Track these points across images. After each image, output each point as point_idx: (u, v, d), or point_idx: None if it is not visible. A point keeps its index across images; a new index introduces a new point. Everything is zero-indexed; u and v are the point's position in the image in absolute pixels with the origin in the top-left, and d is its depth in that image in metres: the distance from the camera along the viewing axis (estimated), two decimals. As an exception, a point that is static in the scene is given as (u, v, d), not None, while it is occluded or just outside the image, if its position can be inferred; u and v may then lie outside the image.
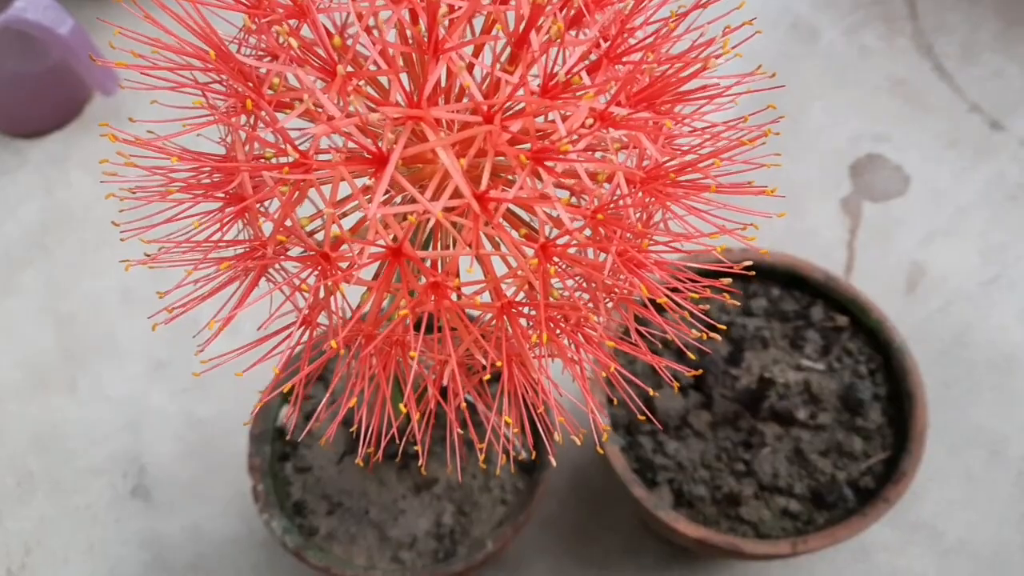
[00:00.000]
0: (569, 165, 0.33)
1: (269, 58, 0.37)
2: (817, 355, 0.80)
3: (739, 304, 0.83)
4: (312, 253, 0.35)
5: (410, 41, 0.35)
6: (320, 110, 0.34)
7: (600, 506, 0.86)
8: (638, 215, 0.36)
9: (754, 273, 0.71)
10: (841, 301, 0.82)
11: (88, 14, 1.00)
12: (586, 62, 0.36)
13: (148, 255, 0.41)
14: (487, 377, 0.38)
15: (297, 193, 0.34)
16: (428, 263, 0.34)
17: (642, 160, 0.36)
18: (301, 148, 0.33)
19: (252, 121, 0.35)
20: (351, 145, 0.34)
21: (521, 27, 0.35)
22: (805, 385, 0.78)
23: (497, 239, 0.35)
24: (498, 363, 0.36)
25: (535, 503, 0.73)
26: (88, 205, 1.04)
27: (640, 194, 0.36)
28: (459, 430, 0.40)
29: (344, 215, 0.36)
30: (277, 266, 0.38)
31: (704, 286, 0.40)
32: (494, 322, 0.36)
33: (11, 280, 1.00)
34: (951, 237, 1.00)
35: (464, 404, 0.39)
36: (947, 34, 1.10)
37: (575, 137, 0.33)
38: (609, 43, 0.36)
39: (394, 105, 0.32)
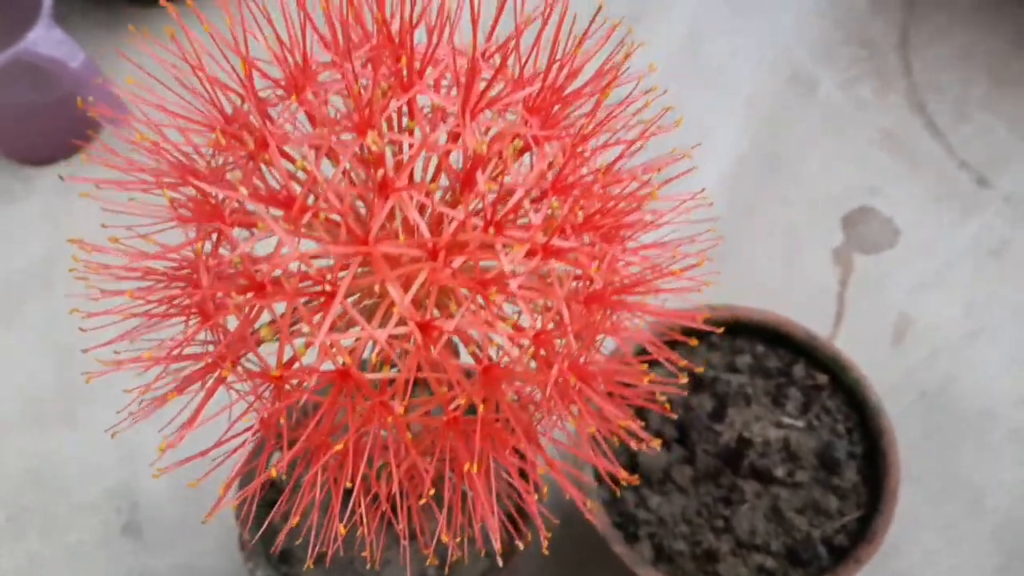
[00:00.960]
0: (511, 294, 0.36)
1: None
2: (798, 412, 0.83)
3: (724, 360, 0.86)
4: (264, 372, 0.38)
5: (357, 182, 0.38)
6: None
7: (582, 556, 0.88)
8: (579, 342, 0.39)
9: (721, 330, 0.73)
10: (822, 359, 0.84)
11: (101, 44, 1.03)
12: (531, 196, 0.39)
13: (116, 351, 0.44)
14: (431, 491, 0.41)
15: (254, 311, 0.37)
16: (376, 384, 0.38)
17: (588, 284, 0.39)
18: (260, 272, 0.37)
19: (215, 239, 0.39)
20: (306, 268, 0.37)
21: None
22: (785, 443, 0.81)
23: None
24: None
25: (515, 561, 0.75)
26: (92, 236, 1.07)
27: (583, 314, 0.39)
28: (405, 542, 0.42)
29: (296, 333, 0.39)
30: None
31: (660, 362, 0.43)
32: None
33: (15, 312, 1.04)
34: (937, 290, 1.02)
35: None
36: (939, 92, 1.12)
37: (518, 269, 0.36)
38: (555, 176, 0.39)
39: (343, 244, 0.35)
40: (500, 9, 0.42)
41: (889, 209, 1.07)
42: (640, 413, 0.73)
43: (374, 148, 0.37)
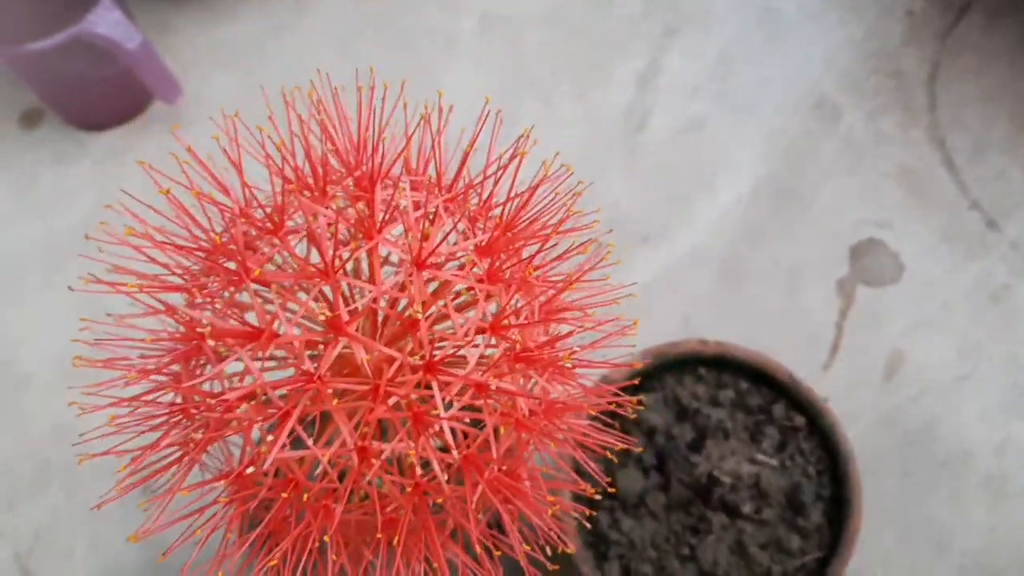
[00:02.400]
0: (441, 425, 0.42)
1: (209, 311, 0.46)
2: (773, 451, 0.88)
3: (708, 393, 0.91)
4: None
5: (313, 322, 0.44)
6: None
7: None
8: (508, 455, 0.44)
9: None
10: (802, 402, 0.89)
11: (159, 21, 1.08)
12: (469, 337, 0.44)
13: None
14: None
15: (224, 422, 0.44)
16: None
17: (517, 412, 0.45)
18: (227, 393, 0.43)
19: (198, 361, 0.45)
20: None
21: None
22: (756, 479, 0.86)
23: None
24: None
25: None
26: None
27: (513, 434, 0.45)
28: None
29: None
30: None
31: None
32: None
33: (55, 274, 1.11)
34: (934, 329, 1.05)
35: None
36: (961, 130, 1.14)
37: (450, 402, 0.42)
38: (494, 317, 0.44)
39: (297, 378, 0.42)
40: (462, 163, 0.47)
41: (897, 244, 1.09)
42: (625, 431, 0.79)
43: (328, 294, 0.43)
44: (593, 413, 0.47)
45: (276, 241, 0.44)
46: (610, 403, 0.49)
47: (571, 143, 1.17)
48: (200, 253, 0.46)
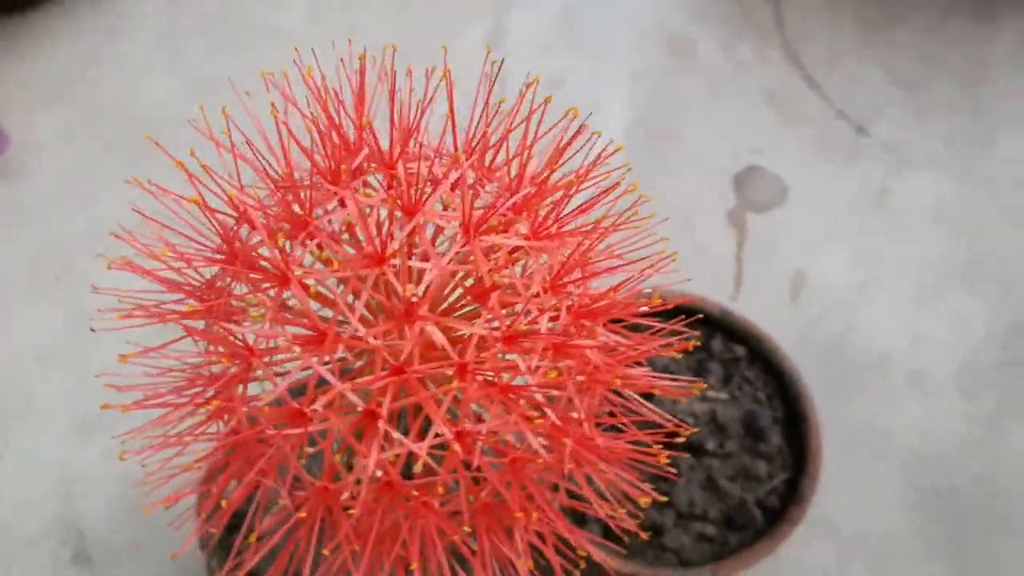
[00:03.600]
0: (530, 394, 0.38)
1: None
2: (720, 385, 0.87)
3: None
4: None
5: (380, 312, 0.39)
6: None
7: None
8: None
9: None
10: (738, 332, 0.88)
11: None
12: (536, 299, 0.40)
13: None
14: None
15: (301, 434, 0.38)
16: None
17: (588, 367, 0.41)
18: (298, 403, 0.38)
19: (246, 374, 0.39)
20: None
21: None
22: (712, 415, 0.85)
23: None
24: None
25: None
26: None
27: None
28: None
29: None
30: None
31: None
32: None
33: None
34: (828, 243, 1.07)
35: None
36: (811, 43, 1.17)
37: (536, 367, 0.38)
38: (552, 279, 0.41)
39: (380, 374, 0.37)
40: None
41: (776, 166, 1.11)
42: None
43: (391, 279, 0.38)
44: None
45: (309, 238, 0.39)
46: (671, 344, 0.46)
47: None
48: (218, 260, 0.40)
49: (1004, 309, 1.05)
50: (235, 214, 0.43)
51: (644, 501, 0.46)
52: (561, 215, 0.43)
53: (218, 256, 0.42)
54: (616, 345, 0.42)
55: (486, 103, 0.45)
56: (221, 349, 0.40)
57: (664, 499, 0.48)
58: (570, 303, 0.41)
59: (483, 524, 0.42)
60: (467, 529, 0.41)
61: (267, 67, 1.15)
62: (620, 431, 0.44)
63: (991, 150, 1.13)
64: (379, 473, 0.38)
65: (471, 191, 0.41)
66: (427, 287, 0.37)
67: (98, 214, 1.06)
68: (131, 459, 0.43)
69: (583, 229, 0.43)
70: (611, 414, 0.44)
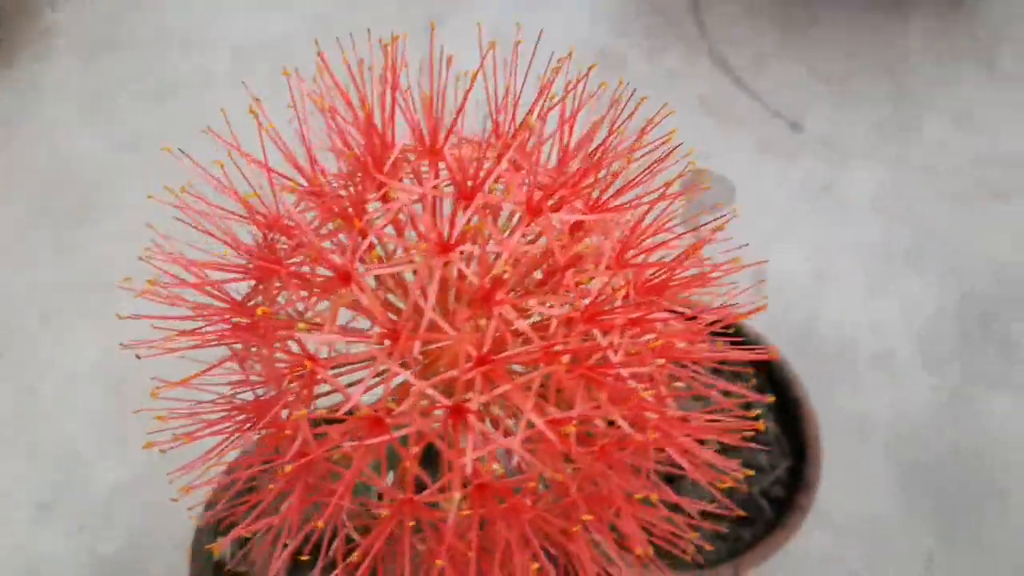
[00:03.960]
0: (616, 373, 0.37)
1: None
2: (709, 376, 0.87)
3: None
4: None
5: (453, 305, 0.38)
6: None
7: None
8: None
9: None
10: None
11: None
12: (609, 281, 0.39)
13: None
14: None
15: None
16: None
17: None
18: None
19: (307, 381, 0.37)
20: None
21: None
22: (706, 413, 0.85)
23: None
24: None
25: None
26: None
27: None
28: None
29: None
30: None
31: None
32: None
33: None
34: (781, 238, 1.09)
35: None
36: (736, 47, 1.19)
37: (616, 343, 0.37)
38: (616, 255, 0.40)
39: (466, 368, 0.35)
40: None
41: (722, 168, 1.12)
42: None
43: (461, 266, 0.36)
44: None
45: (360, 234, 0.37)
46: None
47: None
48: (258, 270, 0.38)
49: (951, 285, 1.08)
50: (268, 217, 0.40)
51: (735, 476, 0.45)
52: (610, 190, 0.42)
53: (256, 266, 0.40)
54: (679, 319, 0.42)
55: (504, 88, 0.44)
56: (278, 364, 0.37)
57: (751, 472, 0.48)
58: (636, 278, 0.40)
59: (578, 518, 0.40)
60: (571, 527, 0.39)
61: (198, 114, 1.13)
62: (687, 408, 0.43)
63: (919, 135, 1.17)
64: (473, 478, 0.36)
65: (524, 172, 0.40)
66: (501, 271, 0.36)
67: (38, 278, 1.02)
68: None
69: (635, 203, 0.43)
70: (689, 388, 0.43)
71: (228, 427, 0.41)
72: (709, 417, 0.43)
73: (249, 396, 0.43)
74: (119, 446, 0.93)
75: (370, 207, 0.39)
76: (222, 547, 0.41)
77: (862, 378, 1.02)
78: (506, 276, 0.36)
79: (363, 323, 0.39)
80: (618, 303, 0.39)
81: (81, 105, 1.14)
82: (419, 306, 0.36)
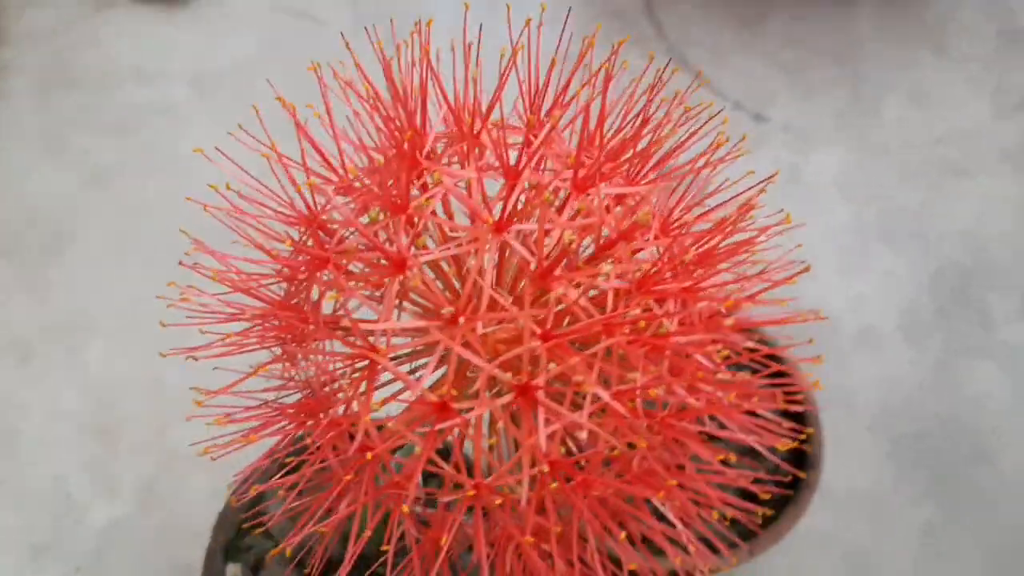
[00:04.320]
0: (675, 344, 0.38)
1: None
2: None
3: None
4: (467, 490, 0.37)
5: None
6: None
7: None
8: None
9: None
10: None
11: None
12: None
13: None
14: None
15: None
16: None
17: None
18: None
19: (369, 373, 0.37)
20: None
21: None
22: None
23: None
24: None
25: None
26: None
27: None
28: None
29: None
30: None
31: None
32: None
33: None
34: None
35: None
36: (693, 45, 1.21)
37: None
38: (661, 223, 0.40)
39: (532, 346, 0.35)
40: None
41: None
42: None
43: (516, 245, 0.37)
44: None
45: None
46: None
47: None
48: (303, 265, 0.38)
49: (924, 259, 1.11)
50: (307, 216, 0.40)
51: (783, 443, 0.45)
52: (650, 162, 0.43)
53: (305, 260, 0.39)
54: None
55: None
56: (332, 359, 0.37)
57: (804, 434, 0.48)
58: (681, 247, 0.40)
59: (643, 490, 0.40)
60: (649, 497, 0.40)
61: (162, 146, 1.12)
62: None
63: (879, 118, 1.20)
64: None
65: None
66: (567, 241, 0.36)
67: (12, 318, 1.00)
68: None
69: (674, 173, 0.43)
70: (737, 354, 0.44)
71: (281, 427, 0.40)
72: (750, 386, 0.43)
73: (289, 398, 0.43)
74: (110, 484, 0.91)
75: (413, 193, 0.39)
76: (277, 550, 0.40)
77: (847, 356, 1.03)
78: (572, 245, 0.36)
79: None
80: (668, 274, 0.39)
81: (42, 144, 1.12)
82: (479, 287, 0.36)
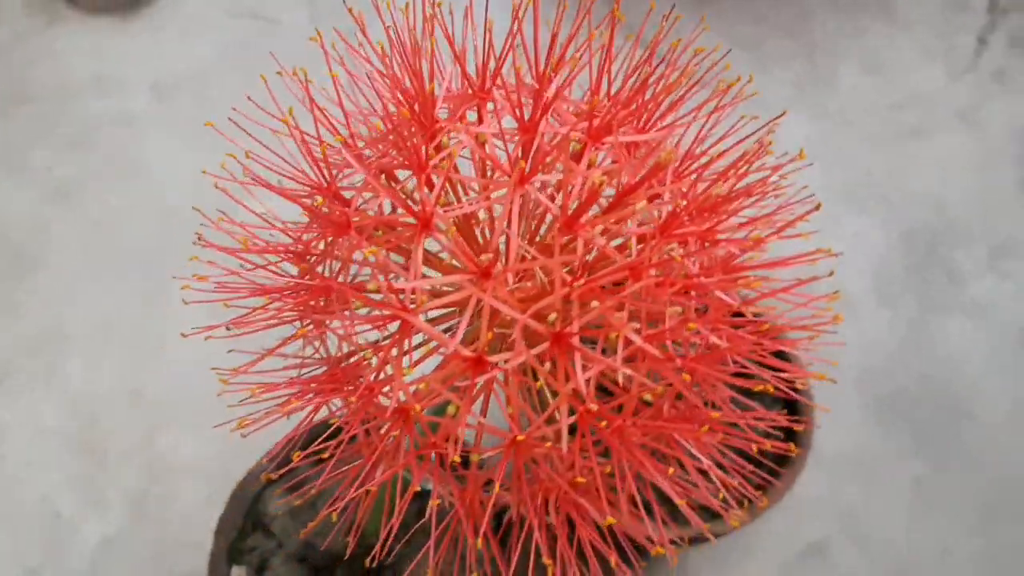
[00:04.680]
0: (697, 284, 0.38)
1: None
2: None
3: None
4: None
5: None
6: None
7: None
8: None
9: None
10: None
11: None
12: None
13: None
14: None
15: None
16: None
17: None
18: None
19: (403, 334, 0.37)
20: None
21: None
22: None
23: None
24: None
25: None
26: None
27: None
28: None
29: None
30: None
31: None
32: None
33: None
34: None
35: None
36: (652, 26, 1.22)
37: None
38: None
39: (561, 283, 0.35)
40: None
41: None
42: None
43: (539, 196, 0.37)
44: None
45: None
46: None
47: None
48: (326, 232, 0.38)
49: (892, 220, 1.12)
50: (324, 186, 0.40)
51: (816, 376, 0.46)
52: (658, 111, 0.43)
53: (322, 229, 0.39)
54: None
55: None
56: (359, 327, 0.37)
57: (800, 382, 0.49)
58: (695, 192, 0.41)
59: (681, 428, 0.40)
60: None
61: (124, 156, 1.10)
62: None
63: (835, 87, 1.22)
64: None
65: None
66: (579, 200, 0.37)
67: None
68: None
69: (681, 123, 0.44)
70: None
71: (313, 399, 0.40)
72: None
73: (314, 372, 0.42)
74: (99, 500, 0.90)
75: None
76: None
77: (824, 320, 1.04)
78: (601, 186, 0.36)
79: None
80: (686, 218, 0.39)
81: (1, 162, 1.10)
82: (508, 239, 0.36)
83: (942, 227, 1.13)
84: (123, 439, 0.93)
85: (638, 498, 0.41)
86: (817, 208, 0.44)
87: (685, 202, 0.40)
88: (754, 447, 0.44)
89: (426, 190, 0.38)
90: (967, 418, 1.00)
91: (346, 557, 0.54)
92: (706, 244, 0.40)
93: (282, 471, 0.46)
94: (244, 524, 0.75)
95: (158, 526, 0.90)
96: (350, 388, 0.39)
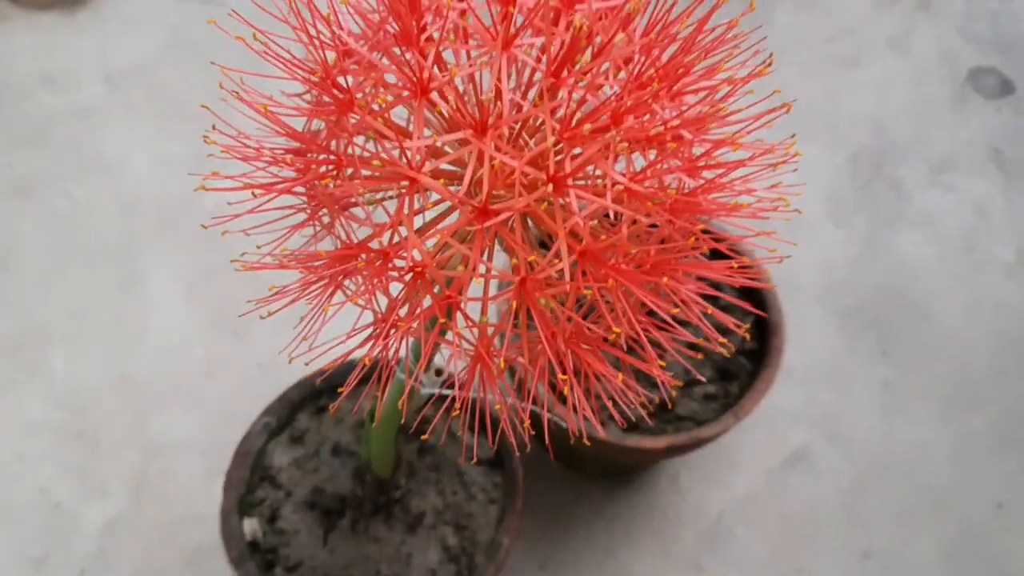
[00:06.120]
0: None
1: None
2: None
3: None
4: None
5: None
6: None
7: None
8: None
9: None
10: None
11: None
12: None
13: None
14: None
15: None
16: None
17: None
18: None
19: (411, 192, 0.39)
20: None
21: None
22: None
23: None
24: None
25: (520, 488, 0.77)
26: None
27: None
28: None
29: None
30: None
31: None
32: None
33: None
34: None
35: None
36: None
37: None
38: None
39: (559, 138, 0.38)
40: None
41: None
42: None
43: (524, 56, 0.40)
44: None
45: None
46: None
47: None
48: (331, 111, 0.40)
49: (838, 144, 1.17)
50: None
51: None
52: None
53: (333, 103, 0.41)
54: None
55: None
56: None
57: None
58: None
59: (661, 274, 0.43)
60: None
61: (82, 148, 1.11)
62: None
63: (774, 25, 1.26)
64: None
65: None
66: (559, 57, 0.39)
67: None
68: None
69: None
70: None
71: (328, 273, 0.42)
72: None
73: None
74: (98, 485, 0.90)
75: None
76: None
77: (782, 244, 1.08)
78: (583, 30, 0.39)
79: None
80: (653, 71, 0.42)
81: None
82: (501, 94, 0.39)
83: (885, 148, 1.17)
84: (115, 424, 0.94)
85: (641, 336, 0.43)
86: (786, 110, 0.47)
87: (656, 50, 0.42)
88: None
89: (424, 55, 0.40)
90: (925, 320, 1.05)
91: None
92: (675, 98, 0.43)
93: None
94: (251, 477, 0.76)
95: (160, 504, 0.90)
96: (363, 258, 0.41)
